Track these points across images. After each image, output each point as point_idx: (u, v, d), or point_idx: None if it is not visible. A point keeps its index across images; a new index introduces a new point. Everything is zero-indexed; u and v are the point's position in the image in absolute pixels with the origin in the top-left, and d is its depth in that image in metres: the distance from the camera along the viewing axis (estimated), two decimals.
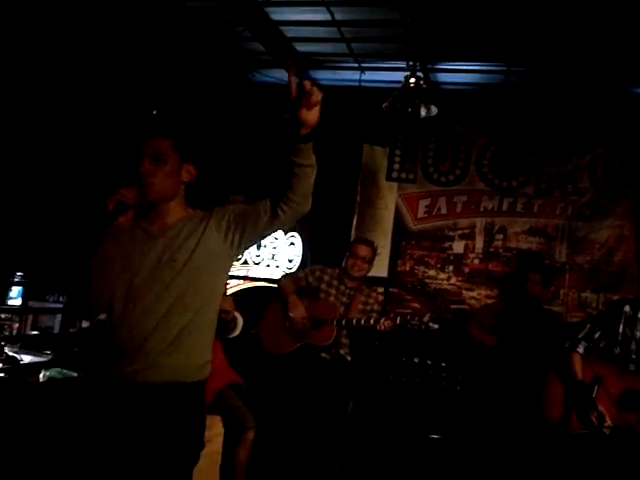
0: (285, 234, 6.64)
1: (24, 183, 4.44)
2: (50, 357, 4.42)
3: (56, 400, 3.47)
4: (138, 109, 4.78)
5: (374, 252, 4.15)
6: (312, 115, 1.88)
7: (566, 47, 4.73)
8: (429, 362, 3.74)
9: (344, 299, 3.98)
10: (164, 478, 1.97)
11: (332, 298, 3.95)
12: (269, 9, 4.72)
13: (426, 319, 3.61)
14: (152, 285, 2.01)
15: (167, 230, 2.09)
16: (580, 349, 3.52)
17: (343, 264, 4.07)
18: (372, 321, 3.72)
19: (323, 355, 3.81)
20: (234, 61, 5.62)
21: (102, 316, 2.14)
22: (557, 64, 5.07)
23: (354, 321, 3.76)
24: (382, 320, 3.68)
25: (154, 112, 4.86)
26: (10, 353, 4.42)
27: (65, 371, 4.17)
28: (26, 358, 4.53)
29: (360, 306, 4.01)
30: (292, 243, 6.76)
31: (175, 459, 1.98)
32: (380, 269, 5.78)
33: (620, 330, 3.47)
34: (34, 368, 4.33)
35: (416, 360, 3.76)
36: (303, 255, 6.89)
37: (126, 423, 1.98)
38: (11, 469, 2.83)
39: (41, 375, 4.27)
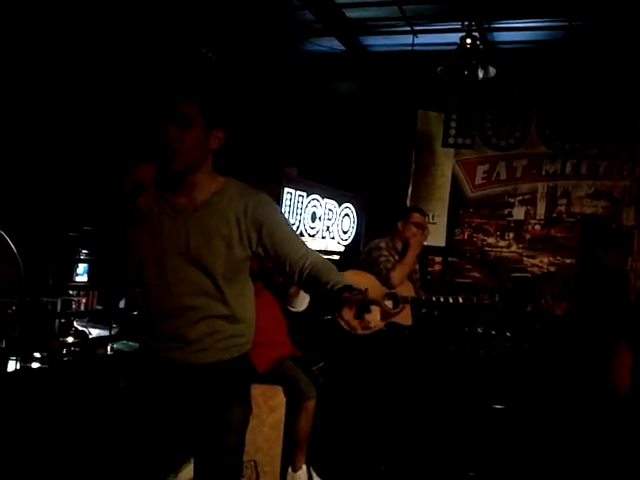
0: (339, 205, 6.60)
1: (86, 162, 4.53)
2: (117, 330, 4.57)
3: (123, 371, 3.58)
4: (167, 77, 4.71)
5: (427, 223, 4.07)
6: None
7: None
8: (493, 332, 3.67)
9: None
10: (222, 444, 1.98)
11: None
12: None
13: (497, 299, 3.56)
14: (185, 272, 1.91)
15: (197, 208, 1.93)
16: None
17: (400, 231, 3.92)
18: (451, 299, 3.68)
19: (406, 332, 3.78)
20: (284, 31, 5.55)
21: None
22: (621, 15, 4.78)
23: (434, 298, 3.70)
24: (460, 299, 3.63)
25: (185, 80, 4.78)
26: (80, 327, 4.61)
27: (131, 343, 4.31)
28: (94, 332, 4.71)
29: (414, 275, 3.96)
30: (346, 214, 6.72)
31: (229, 427, 1.99)
32: (437, 238, 5.71)
33: None
34: (102, 341, 4.50)
35: (479, 330, 3.69)
36: (357, 226, 6.86)
37: (176, 398, 2.00)
38: (82, 437, 2.96)
39: (109, 348, 4.44)
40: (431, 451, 3.64)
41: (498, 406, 3.52)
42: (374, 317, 1.82)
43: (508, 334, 3.61)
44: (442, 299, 3.74)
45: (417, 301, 3.71)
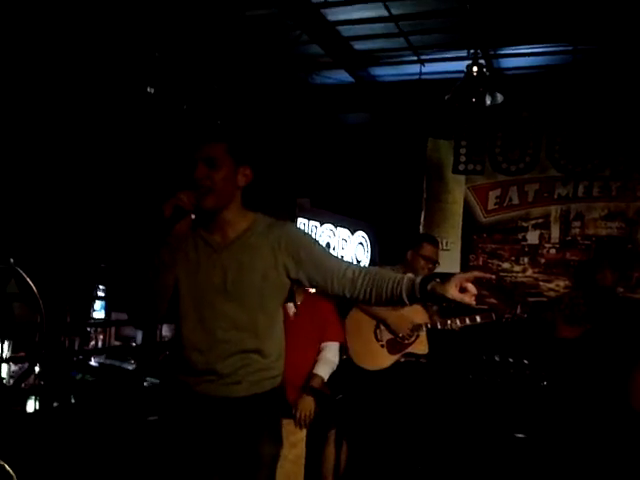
0: (353, 234, 6.62)
1: (104, 199, 4.59)
2: (134, 366, 4.57)
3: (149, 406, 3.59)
4: (195, 115, 4.85)
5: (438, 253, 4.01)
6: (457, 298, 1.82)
7: (632, 20, 4.48)
8: (510, 360, 3.64)
9: None
10: (253, 478, 2.01)
11: None
12: (325, 10, 4.72)
13: (519, 311, 3.52)
14: (221, 307, 1.97)
15: (230, 244, 2.00)
16: None
17: (409, 261, 3.88)
18: (468, 321, 3.65)
19: (422, 360, 3.74)
20: (293, 65, 5.65)
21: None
22: (625, 38, 4.82)
23: (449, 322, 3.66)
24: (478, 318, 3.61)
25: (216, 121, 4.92)
26: (106, 362, 4.58)
27: (149, 379, 4.31)
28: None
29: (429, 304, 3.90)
30: (360, 243, 6.73)
31: (261, 461, 2.02)
32: (452, 265, 5.70)
33: None
34: (123, 376, 4.50)
35: (497, 358, 3.66)
36: (372, 254, 6.86)
37: (209, 433, 2.02)
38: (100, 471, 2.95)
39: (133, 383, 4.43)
40: None
41: (520, 435, 3.49)
42: (473, 287, 1.85)
43: (525, 362, 3.58)
44: (459, 322, 3.71)
45: (432, 331, 3.69)
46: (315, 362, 3.32)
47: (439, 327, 3.71)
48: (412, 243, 3.87)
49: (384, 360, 3.71)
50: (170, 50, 4.91)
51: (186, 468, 2.02)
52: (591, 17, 4.55)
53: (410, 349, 3.73)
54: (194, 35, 4.91)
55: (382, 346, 3.72)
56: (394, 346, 3.71)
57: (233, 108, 5.17)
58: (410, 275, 1.93)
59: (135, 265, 1.98)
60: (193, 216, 1.98)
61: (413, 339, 3.72)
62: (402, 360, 3.72)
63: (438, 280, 1.84)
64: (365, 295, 1.94)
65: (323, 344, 3.37)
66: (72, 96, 4.21)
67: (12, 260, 3.28)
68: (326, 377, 3.31)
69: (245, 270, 1.97)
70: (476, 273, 1.87)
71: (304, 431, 3.19)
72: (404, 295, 1.88)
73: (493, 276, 1.87)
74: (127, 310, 2.57)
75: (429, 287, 1.83)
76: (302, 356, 3.30)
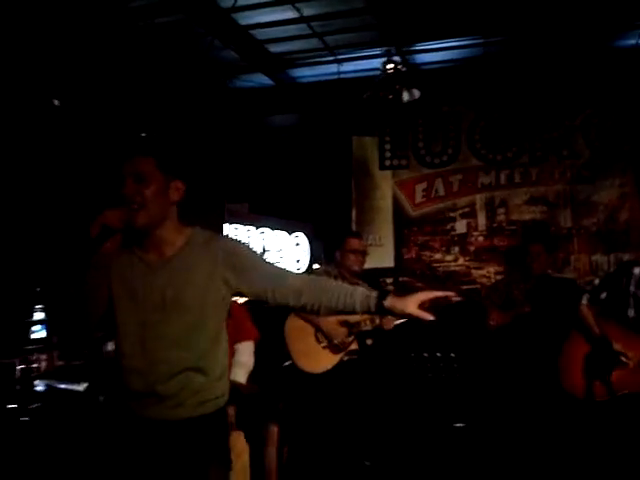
0: (290, 235, 6.61)
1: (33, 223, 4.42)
2: (86, 386, 4.39)
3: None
4: (119, 129, 4.75)
5: (365, 244, 4.07)
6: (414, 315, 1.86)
7: (541, 9, 4.64)
8: (438, 354, 3.71)
9: None
10: None
11: None
12: (236, 15, 4.66)
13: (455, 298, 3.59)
14: (160, 326, 1.91)
15: (167, 262, 1.94)
16: (584, 300, 3.46)
17: (339, 261, 3.93)
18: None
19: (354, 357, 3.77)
20: (211, 70, 5.58)
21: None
22: (534, 28, 4.98)
23: (385, 319, 3.68)
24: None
25: (142, 134, 4.80)
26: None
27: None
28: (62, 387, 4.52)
29: None
30: (297, 243, 6.72)
31: None
32: (386, 259, 5.78)
33: (631, 292, 3.40)
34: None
35: (425, 355, 3.73)
36: (311, 254, 6.86)
37: (155, 458, 1.94)
38: None
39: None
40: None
41: (459, 424, 3.56)
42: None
43: (452, 355, 3.65)
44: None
45: (361, 334, 3.73)
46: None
47: (377, 322, 3.73)
48: (338, 243, 3.91)
49: (329, 361, 3.73)
50: (84, 63, 4.79)
51: None
52: (499, 9, 4.67)
53: (354, 346, 3.77)
54: (109, 48, 4.80)
55: (325, 347, 3.74)
56: (335, 346, 3.74)
57: (156, 120, 5.07)
58: (362, 289, 1.93)
59: (65, 286, 1.91)
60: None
61: (352, 338, 3.75)
62: (345, 359, 3.75)
63: (394, 295, 1.87)
64: (313, 307, 1.94)
65: (236, 345, 3.30)
66: None
67: None
68: (244, 380, 3.25)
69: (184, 288, 1.92)
70: (437, 293, 1.89)
71: (244, 442, 3.16)
72: (358, 309, 1.90)
73: (452, 293, 1.93)
74: (58, 331, 2.47)
75: (387, 304, 1.86)
76: None
